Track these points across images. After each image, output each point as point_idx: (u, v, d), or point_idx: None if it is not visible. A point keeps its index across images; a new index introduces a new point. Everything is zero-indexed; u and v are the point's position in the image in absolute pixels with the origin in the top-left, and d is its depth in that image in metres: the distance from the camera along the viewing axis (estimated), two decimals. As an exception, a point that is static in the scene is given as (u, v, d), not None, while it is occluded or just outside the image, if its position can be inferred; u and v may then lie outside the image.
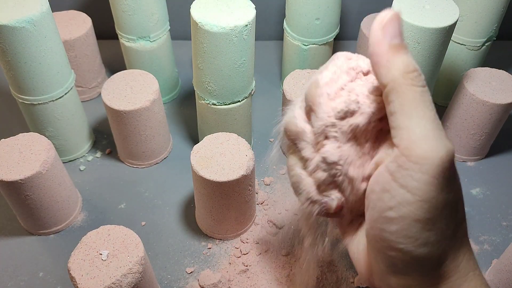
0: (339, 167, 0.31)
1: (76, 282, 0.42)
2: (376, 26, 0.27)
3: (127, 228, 0.46)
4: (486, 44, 0.70)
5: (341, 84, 0.31)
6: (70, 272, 0.43)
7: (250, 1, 0.55)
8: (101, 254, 0.44)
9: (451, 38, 0.60)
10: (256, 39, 0.58)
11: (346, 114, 0.30)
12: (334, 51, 0.82)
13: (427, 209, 0.26)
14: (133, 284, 0.42)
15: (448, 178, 0.26)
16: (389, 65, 0.27)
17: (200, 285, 0.54)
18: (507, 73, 0.65)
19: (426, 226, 0.27)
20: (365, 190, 0.31)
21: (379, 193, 0.28)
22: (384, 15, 0.27)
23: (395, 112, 0.27)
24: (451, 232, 0.28)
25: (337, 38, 0.74)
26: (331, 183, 0.32)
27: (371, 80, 0.31)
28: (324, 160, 0.31)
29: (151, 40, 0.69)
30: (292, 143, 0.34)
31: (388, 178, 0.27)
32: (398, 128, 0.27)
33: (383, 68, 0.27)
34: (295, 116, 0.33)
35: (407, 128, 0.26)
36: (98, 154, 0.70)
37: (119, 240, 0.45)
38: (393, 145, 0.28)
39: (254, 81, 0.62)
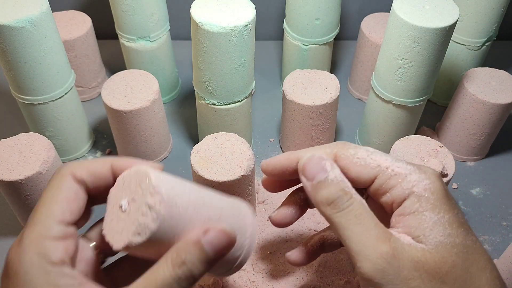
0: None
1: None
2: (299, 172, 0.33)
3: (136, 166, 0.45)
4: (486, 44, 0.70)
5: None
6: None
7: (250, 1, 0.55)
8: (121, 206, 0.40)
9: (451, 38, 0.60)
10: (256, 39, 0.58)
11: None
12: (334, 51, 0.82)
13: None
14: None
15: (392, 274, 0.29)
16: (316, 202, 0.32)
17: (199, 284, 0.54)
18: (507, 73, 0.65)
19: None
20: None
21: None
22: (300, 163, 0.33)
23: (340, 238, 0.31)
24: None
25: (337, 38, 0.74)
26: None
27: None
28: None
29: (151, 40, 0.69)
30: None
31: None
32: (347, 249, 0.31)
33: (316, 206, 0.32)
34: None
35: (349, 250, 0.30)
36: (98, 154, 0.70)
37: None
38: None
39: (254, 81, 0.62)
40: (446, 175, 0.52)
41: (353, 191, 0.32)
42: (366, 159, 0.33)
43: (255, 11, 0.54)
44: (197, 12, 0.53)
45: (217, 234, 0.29)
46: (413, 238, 0.30)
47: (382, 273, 0.29)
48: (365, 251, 0.29)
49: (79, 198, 0.31)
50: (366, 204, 0.31)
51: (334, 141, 0.67)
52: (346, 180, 0.32)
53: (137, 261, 0.33)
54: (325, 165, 0.32)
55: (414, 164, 0.33)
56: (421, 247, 0.30)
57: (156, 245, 0.28)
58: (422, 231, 0.30)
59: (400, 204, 0.32)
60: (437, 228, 0.30)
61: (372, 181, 0.33)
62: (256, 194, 0.63)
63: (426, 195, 0.31)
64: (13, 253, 0.28)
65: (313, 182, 0.32)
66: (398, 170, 0.32)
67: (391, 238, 0.30)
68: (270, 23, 0.88)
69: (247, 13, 0.53)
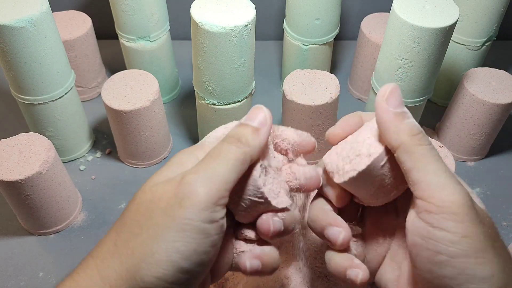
0: None
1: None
2: (380, 98, 0.31)
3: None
4: (486, 44, 0.70)
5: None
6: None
7: (250, 1, 0.55)
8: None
9: (451, 38, 0.60)
10: (256, 39, 0.58)
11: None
12: (334, 51, 0.82)
13: (472, 242, 0.28)
14: None
15: (475, 213, 0.29)
16: (397, 130, 0.30)
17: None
18: (507, 73, 0.65)
19: (478, 259, 0.28)
20: None
21: (423, 242, 0.30)
22: (385, 88, 0.31)
23: (410, 170, 0.30)
24: (503, 265, 0.29)
25: (337, 38, 0.74)
26: None
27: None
28: None
29: (151, 40, 0.69)
30: None
31: (426, 226, 0.29)
32: (417, 182, 0.29)
33: (392, 134, 0.31)
34: None
35: (426, 181, 0.29)
36: (98, 154, 0.70)
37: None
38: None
39: (254, 81, 0.62)
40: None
41: None
42: None
43: (255, 11, 0.54)
44: (197, 12, 0.53)
45: (252, 111, 0.33)
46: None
47: (464, 204, 0.29)
48: (442, 185, 0.29)
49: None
50: None
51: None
52: None
53: None
54: (403, 103, 0.32)
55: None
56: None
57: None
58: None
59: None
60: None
61: None
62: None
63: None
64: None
65: (396, 110, 0.31)
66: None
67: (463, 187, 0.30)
68: (270, 23, 0.88)
69: (247, 13, 0.53)
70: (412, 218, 0.30)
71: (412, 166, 0.30)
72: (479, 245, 0.28)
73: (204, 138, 0.34)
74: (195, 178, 0.29)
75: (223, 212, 0.29)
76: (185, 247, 0.28)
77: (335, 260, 0.34)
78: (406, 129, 0.30)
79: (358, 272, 0.32)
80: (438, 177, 0.29)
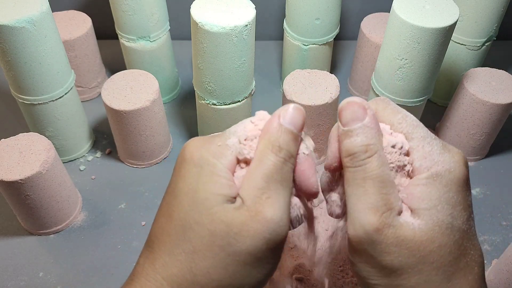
0: None
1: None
2: (338, 124, 0.32)
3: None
4: (486, 44, 0.70)
5: None
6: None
7: (250, 1, 0.55)
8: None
9: (451, 38, 0.60)
10: (256, 39, 0.58)
11: None
12: (334, 51, 0.82)
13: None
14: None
15: (375, 243, 0.30)
16: (340, 150, 0.31)
17: None
18: (507, 73, 0.65)
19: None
20: None
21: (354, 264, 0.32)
22: (341, 104, 0.31)
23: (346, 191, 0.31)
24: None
25: (337, 38, 0.74)
26: None
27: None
28: None
29: (151, 40, 0.69)
30: None
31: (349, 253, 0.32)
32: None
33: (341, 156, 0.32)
34: None
35: (347, 210, 0.31)
36: (98, 154, 0.70)
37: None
38: None
39: (254, 81, 0.62)
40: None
41: (381, 151, 0.31)
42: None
43: (255, 11, 0.54)
44: (197, 12, 0.53)
45: (290, 112, 0.32)
46: (412, 210, 0.30)
47: (360, 240, 0.30)
48: (355, 214, 0.30)
49: None
50: (386, 170, 0.30)
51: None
52: (378, 136, 0.31)
53: None
54: (361, 114, 0.31)
55: (441, 142, 0.32)
56: (414, 225, 0.29)
57: None
58: (424, 205, 0.30)
59: (416, 175, 0.32)
60: (441, 205, 0.30)
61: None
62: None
63: (443, 174, 0.30)
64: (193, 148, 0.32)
65: (344, 128, 0.31)
66: (426, 146, 0.31)
67: (386, 212, 0.29)
68: (270, 23, 0.88)
69: (247, 13, 0.53)
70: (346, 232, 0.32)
71: (346, 190, 0.31)
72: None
73: (227, 132, 0.34)
74: (276, 214, 0.29)
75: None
76: (265, 278, 0.31)
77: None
78: (344, 149, 0.31)
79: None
80: (351, 204, 0.30)
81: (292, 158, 0.31)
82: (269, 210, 0.29)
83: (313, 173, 0.33)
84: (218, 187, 0.30)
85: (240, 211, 0.29)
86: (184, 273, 0.29)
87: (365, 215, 0.29)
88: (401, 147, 0.31)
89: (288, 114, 0.31)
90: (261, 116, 0.34)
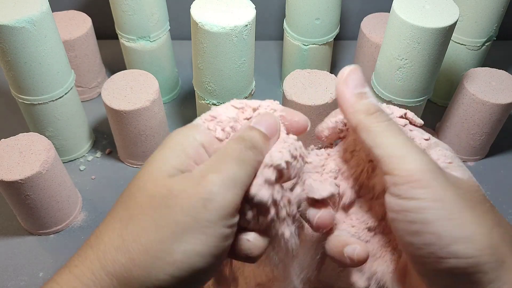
0: None
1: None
2: (338, 81, 0.32)
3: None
4: (486, 44, 0.70)
5: None
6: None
7: (250, 1, 0.55)
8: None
9: (451, 38, 0.60)
10: (256, 39, 0.58)
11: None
12: (334, 51, 0.82)
13: (444, 206, 0.28)
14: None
15: (444, 177, 0.29)
16: (354, 111, 0.32)
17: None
18: (507, 73, 0.65)
19: (454, 221, 0.28)
20: None
21: (398, 216, 0.30)
22: (344, 70, 0.32)
23: (371, 148, 0.31)
24: (489, 226, 0.29)
25: (337, 38, 0.74)
26: None
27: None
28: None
29: (151, 40, 0.69)
30: None
31: (396, 200, 0.30)
32: (379, 159, 0.30)
33: (350, 114, 0.32)
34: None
35: (386, 156, 0.30)
36: (98, 154, 0.70)
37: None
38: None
39: (254, 81, 0.62)
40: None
41: None
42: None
43: (255, 11, 0.54)
44: (197, 12, 0.53)
45: (261, 116, 0.33)
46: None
47: (421, 169, 0.29)
48: (402, 156, 0.30)
49: (200, 154, 0.32)
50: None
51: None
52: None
53: None
54: (364, 82, 0.32)
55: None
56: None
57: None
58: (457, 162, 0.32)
59: None
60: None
61: None
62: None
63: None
64: (132, 185, 0.31)
65: (354, 90, 0.32)
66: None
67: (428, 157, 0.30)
68: (270, 23, 0.88)
69: (247, 13, 0.53)
70: (386, 196, 0.31)
71: (372, 144, 0.31)
72: (453, 207, 0.28)
73: (198, 119, 0.34)
74: (219, 179, 0.28)
75: (238, 216, 0.30)
76: (204, 250, 0.28)
77: (332, 240, 0.34)
78: (362, 109, 0.31)
79: (355, 247, 0.32)
80: (397, 150, 0.30)
81: (255, 149, 0.30)
82: (212, 176, 0.28)
83: (297, 113, 0.35)
84: (172, 159, 0.30)
85: (185, 178, 0.29)
86: (112, 239, 0.28)
87: (417, 152, 0.30)
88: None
89: (258, 118, 0.33)
90: (247, 103, 0.34)
